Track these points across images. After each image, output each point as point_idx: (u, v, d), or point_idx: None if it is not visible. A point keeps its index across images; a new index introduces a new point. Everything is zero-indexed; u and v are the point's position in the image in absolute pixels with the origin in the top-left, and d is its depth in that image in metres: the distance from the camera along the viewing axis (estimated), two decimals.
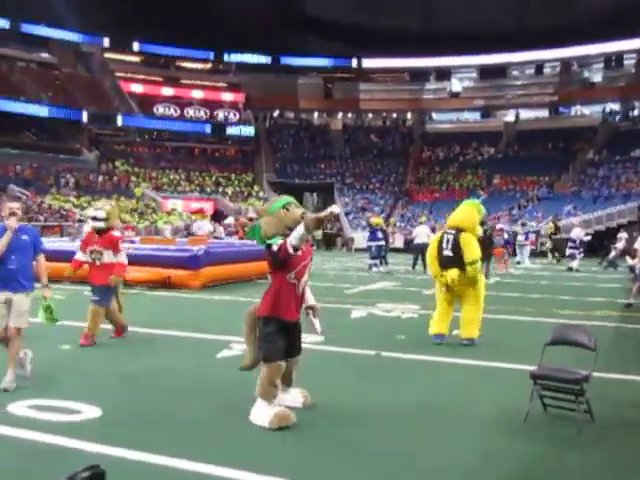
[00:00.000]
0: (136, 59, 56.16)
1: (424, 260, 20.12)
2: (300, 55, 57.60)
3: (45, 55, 52.24)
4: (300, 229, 4.61)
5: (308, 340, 8.11)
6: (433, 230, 21.00)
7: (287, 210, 4.96)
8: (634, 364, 7.20)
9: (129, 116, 51.40)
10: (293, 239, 4.65)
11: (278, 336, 4.92)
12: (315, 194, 53.48)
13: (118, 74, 54.06)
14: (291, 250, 4.67)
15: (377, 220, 22.81)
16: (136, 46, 54.67)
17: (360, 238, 35.51)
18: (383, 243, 21.17)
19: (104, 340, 8.01)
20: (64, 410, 5.08)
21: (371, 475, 3.97)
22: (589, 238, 24.00)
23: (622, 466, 4.18)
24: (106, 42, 53.54)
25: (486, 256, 19.30)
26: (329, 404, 5.46)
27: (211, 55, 57.13)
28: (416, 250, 20.48)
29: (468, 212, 8.54)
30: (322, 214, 4.57)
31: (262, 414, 4.85)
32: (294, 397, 5.38)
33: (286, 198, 5.17)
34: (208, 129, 53.72)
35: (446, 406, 5.50)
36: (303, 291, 5.12)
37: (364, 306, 11.73)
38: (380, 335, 8.87)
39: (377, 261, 20.97)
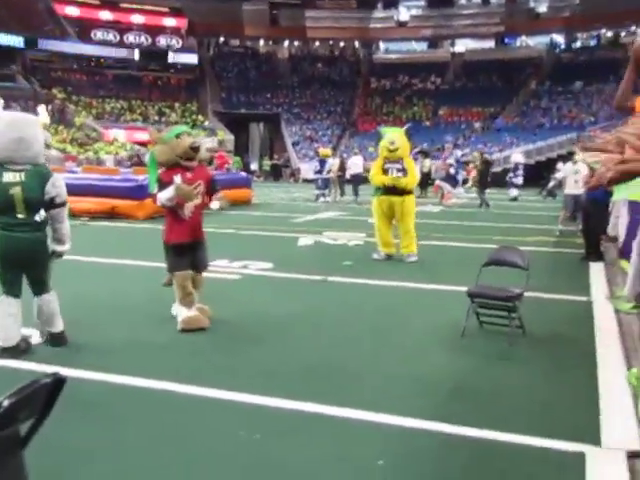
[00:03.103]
0: None
1: (356, 188, 20.89)
2: None
3: None
4: (171, 191, 5.20)
5: (257, 266, 8.32)
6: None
7: (179, 139, 5.33)
8: (563, 285, 7.63)
9: (65, 41, 49.09)
10: (163, 198, 5.26)
11: (178, 254, 5.44)
12: (262, 124, 52.80)
13: None
14: (158, 204, 5.33)
15: (325, 151, 22.89)
16: None
17: (307, 169, 35.50)
18: (330, 175, 21.33)
19: None
20: None
21: (318, 384, 4.21)
22: (523, 160, 24.46)
23: (549, 374, 4.54)
24: None
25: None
26: (274, 320, 5.67)
27: None
28: (352, 180, 21.02)
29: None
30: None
31: (180, 317, 5.43)
32: None
33: (180, 127, 5.62)
34: (150, 56, 51.84)
35: (390, 325, 5.78)
36: (194, 214, 5.48)
37: (311, 235, 11.92)
38: (327, 261, 9.11)
39: (325, 191, 21.14)
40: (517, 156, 24.46)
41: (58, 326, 4.89)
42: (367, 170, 29.47)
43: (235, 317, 5.92)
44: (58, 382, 1.89)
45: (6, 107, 39.83)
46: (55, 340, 4.89)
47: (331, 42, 58.41)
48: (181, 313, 5.44)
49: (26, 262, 4.64)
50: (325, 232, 12.35)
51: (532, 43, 54.46)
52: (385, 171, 9.27)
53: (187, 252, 5.48)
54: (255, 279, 7.72)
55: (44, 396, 1.86)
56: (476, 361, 4.84)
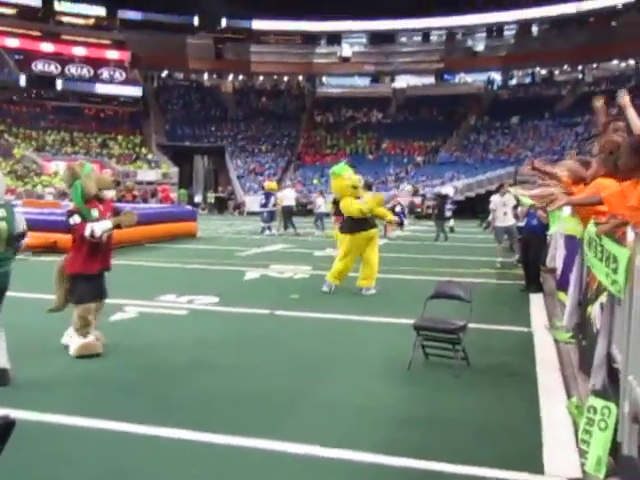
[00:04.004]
0: (11, 11, 52.43)
1: (289, 220, 21.15)
2: (189, 14, 55.97)
3: None
4: (108, 225, 5.46)
5: (203, 301, 8.27)
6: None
7: (95, 174, 5.78)
8: (505, 316, 7.85)
9: (4, 72, 48.15)
10: (99, 229, 5.40)
11: (87, 284, 5.57)
12: (206, 157, 52.70)
13: None
14: (87, 234, 5.36)
15: (271, 185, 23.03)
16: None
17: (252, 201, 35.50)
18: (275, 208, 21.46)
19: None
20: None
21: (262, 414, 4.20)
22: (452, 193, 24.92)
23: (494, 405, 4.64)
24: None
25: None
26: (216, 360, 5.64)
27: (102, 11, 54.23)
28: (284, 212, 21.18)
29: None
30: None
31: (74, 344, 5.52)
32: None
33: (88, 164, 5.89)
34: (92, 88, 51.30)
35: (336, 357, 5.82)
36: (106, 243, 5.66)
37: (258, 268, 11.91)
38: (274, 295, 9.11)
39: (270, 224, 21.20)
40: (448, 189, 25.05)
41: (3, 362, 4.76)
42: (305, 204, 29.81)
43: (181, 351, 5.85)
44: (7, 425, 1.87)
45: None
46: None
47: (275, 76, 59.06)
48: (76, 340, 5.53)
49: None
50: (271, 265, 12.35)
51: (471, 80, 56.32)
52: None
53: (96, 282, 5.65)
54: (202, 314, 7.66)
55: None
56: (422, 392, 4.92)
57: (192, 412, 4.32)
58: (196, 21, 57.07)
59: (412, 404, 4.63)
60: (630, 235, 3.12)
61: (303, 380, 5.14)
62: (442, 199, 20.59)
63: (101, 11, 54.42)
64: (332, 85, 59.05)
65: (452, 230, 21.72)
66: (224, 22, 57.57)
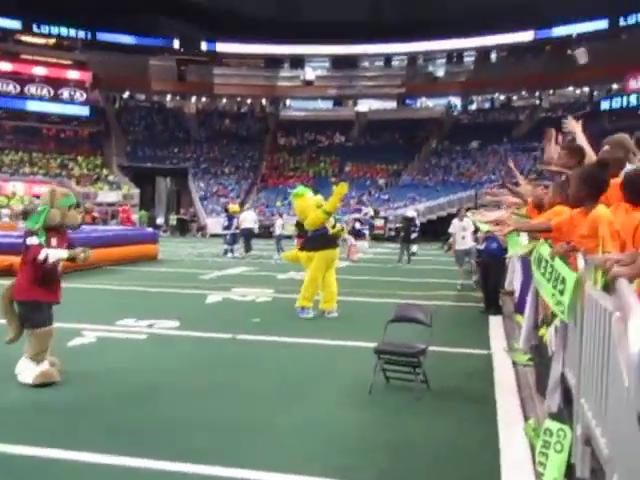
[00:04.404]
0: None
1: (249, 242, 21.15)
2: (151, 36, 55.90)
3: None
4: (64, 254, 5.49)
5: (163, 325, 8.18)
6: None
7: (70, 210, 5.67)
8: (465, 338, 7.94)
9: None
10: (54, 256, 5.39)
11: (44, 310, 5.52)
12: (168, 179, 52.41)
13: None
14: (41, 257, 5.31)
15: (234, 207, 23.06)
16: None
17: (215, 223, 35.35)
18: (237, 231, 21.42)
19: None
20: None
21: (222, 440, 4.17)
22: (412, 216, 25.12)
23: (453, 427, 4.69)
24: None
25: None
26: (173, 383, 5.59)
27: (65, 31, 53.77)
28: (244, 235, 21.15)
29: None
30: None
31: (31, 372, 5.37)
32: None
33: (73, 199, 5.83)
34: (52, 108, 50.67)
35: (298, 381, 5.81)
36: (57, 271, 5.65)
37: (220, 291, 11.84)
38: (235, 319, 9.06)
39: (233, 246, 21.15)
40: (411, 212, 25.32)
41: None
42: (268, 227, 29.73)
43: (140, 377, 5.78)
44: None
45: None
46: None
47: (239, 99, 59.21)
48: (32, 367, 5.42)
49: None
50: (234, 288, 12.30)
51: (432, 104, 57.30)
52: None
53: (49, 309, 5.61)
54: (162, 338, 7.57)
55: None
56: (383, 416, 4.94)
57: (150, 439, 4.26)
58: (159, 43, 57.01)
59: (373, 428, 4.65)
60: (580, 262, 3.21)
61: (264, 405, 5.11)
62: (407, 222, 20.80)
63: (62, 31, 53.99)
64: (295, 108, 59.45)
65: (414, 254, 21.97)
66: (188, 44, 57.66)
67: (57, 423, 4.57)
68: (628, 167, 4.13)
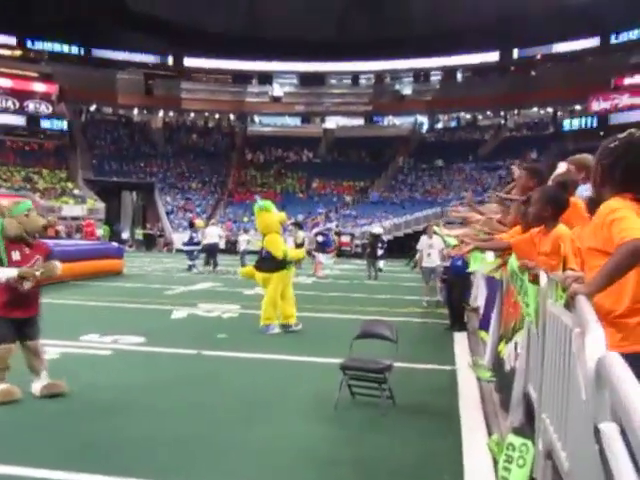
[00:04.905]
0: None
1: (213, 258, 21.10)
2: (119, 49, 55.63)
3: None
4: (13, 273, 5.18)
5: (128, 341, 8.09)
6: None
7: (27, 216, 5.40)
8: (430, 354, 8.02)
9: None
10: (3, 277, 5.18)
11: (6, 325, 5.32)
12: (135, 193, 51.96)
13: None
14: None
15: (199, 223, 23.00)
16: None
17: (181, 239, 35.09)
18: (200, 246, 21.34)
19: None
20: None
21: (186, 458, 4.14)
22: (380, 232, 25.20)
23: (418, 443, 4.73)
24: None
25: None
26: (145, 401, 5.53)
27: (30, 43, 53.22)
28: (208, 250, 21.08)
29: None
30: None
31: None
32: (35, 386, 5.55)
33: (28, 203, 5.60)
34: (17, 120, 49.94)
35: (263, 398, 5.79)
36: (29, 290, 5.36)
37: (185, 307, 11.76)
38: (201, 334, 9.00)
39: (196, 262, 21.04)
40: (377, 229, 25.45)
41: None
42: (234, 242, 29.53)
43: (104, 393, 5.70)
44: None
45: None
46: None
47: (206, 114, 59.12)
48: None
49: None
50: (199, 304, 12.22)
51: (399, 122, 57.97)
52: None
53: (16, 324, 5.40)
54: (126, 354, 7.49)
55: None
56: (348, 432, 4.96)
57: (112, 456, 4.21)
58: (127, 56, 56.74)
59: (338, 444, 4.66)
60: (543, 279, 3.29)
61: (229, 422, 5.09)
62: (374, 238, 20.99)
63: (28, 43, 53.45)
64: (263, 124, 59.61)
65: (380, 270, 22.06)
66: (155, 58, 57.53)
67: (18, 440, 4.49)
68: (584, 187, 4.26)
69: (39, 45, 53.97)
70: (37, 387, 5.47)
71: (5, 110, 49.85)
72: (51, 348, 7.22)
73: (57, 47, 54.45)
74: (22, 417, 5.04)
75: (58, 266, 5.59)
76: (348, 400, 5.57)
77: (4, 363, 5.35)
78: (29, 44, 53.74)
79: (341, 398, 5.42)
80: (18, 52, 53.80)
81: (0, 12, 45.57)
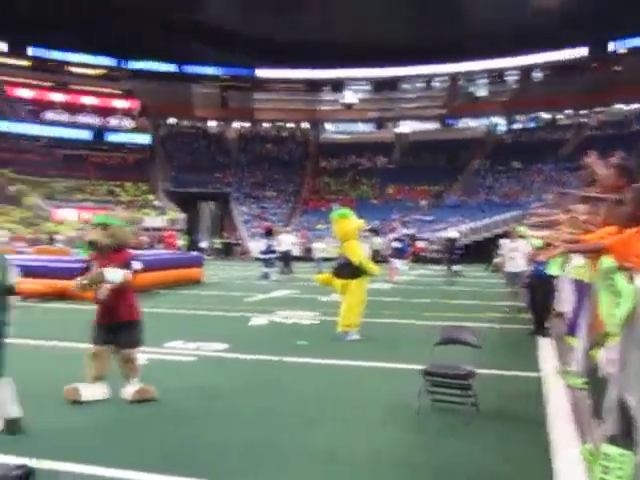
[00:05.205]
0: (25, 63, 53.74)
1: (288, 265, 21.23)
2: (197, 64, 57.20)
3: None
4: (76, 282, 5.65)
5: (211, 347, 8.25)
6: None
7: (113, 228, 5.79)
8: (513, 361, 7.80)
9: (15, 121, 49.13)
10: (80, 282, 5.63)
11: (95, 330, 5.77)
12: (212, 203, 53.12)
13: (5, 78, 51.60)
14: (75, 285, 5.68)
15: (273, 230, 23.34)
16: (31, 51, 52.56)
17: (257, 247, 35.59)
18: (277, 254, 21.58)
19: None
20: None
21: (269, 462, 4.17)
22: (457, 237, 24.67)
23: (504, 452, 4.59)
24: (3, 47, 51.14)
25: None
26: (232, 405, 5.61)
27: (112, 62, 55.61)
28: (282, 257, 21.23)
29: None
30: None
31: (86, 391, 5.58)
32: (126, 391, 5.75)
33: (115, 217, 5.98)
34: (101, 136, 52.18)
35: (344, 403, 5.76)
36: (108, 298, 5.68)
37: (264, 314, 11.89)
38: (281, 341, 9.07)
39: (273, 269, 21.27)
40: (453, 233, 25.09)
41: (15, 411, 4.73)
42: (309, 250, 29.72)
43: (191, 399, 5.82)
44: (28, 474, 1.89)
45: None
46: (11, 426, 4.71)
47: (280, 123, 59.93)
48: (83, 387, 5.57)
49: None
50: (277, 311, 12.33)
51: (474, 124, 57.01)
52: None
53: (107, 331, 5.70)
54: (210, 360, 7.63)
55: None
56: (427, 437, 4.87)
57: (200, 460, 4.28)
58: (204, 70, 58.27)
59: (420, 450, 4.59)
60: (638, 282, 3.13)
61: (310, 427, 5.09)
62: (451, 243, 20.75)
63: (111, 62, 55.71)
64: (336, 131, 59.86)
65: (458, 275, 21.69)
66: (229, 71, 58.79)
67: (115, 443, 4.64)
68: None
69: (122, 64, 56.19)
70: (129, 392, 5.65)
71: (89, 127, 52.14)
72: (139, 354, 7.44)
73: (138, 65, 56.46)
74: (112, 419, 5.20)
75: (114, 274, 5.64)
76: (429, 407, 5.47)
77: (94, 364, 5.61)
78: (111, 63, 56.03)
79: (422, 404, 5.34)
80: (102, 71, 56.20)
81: (90, 33, 47.76)
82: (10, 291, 4.68)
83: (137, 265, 5.87)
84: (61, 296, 13.57)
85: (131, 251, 5.96)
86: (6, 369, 4.75)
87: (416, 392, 5.38)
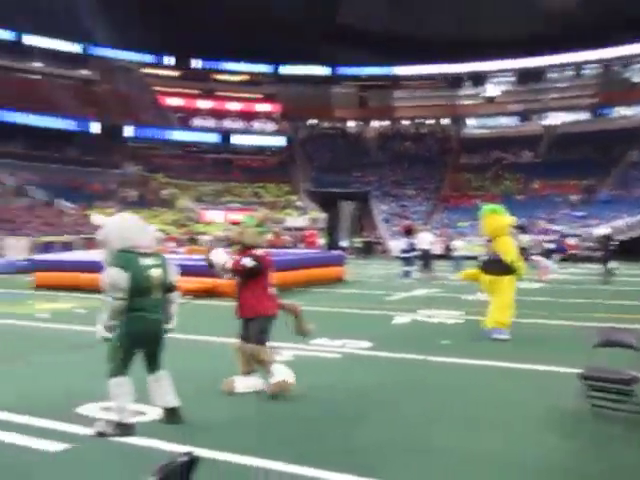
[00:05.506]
0: (175, 73, 57.30)
1: (428, 263, 20.73)
2: (339, 65, 58.11)
3: (86, 72, 53.75)
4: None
5: (356, 345, 8.30)
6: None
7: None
8: None
9: (167, 129, 52.44)
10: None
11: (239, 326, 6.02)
12: (351, 202, 53.64)
13: (156, 88, 55.28)
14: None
15: (412, 228, 23.09)
16: (196, 63, 56.18)
17: (397, 245, 35.47)
18: (418, 252, 21.32)
19: None
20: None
21: (433, 466, 4.10)
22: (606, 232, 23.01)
23: None
24: (170, 60, 55.08)
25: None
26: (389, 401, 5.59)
27: (268, 68, 57.98)
28: (422, 256, 20.91)
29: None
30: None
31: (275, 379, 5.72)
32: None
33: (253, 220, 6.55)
34: (245, 140, 54.42)
35: (493, 405, 5.56)
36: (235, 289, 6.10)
37: (406, 312, 11.79)
38: (425, 340, 8.95)
39: (414, 268, 21.05)
40: (603, 230, 23.49)
41: (174, 401, 5.00)
42: (449, 248, 29.13)
43: (337, 396, 5.87)
44: (193, 461, 1.95)
45: (118, 191, 42.60)
46: (171, 416, 4.99)
47: (419, 120, 59.39)
48: (275, 377, 5.71)
49: (152, 341, 4.86)
50: (420, 310, 12.19)
51: (630, 113, 53.24)
52: None
53: (241, 326, 5.99)
54: (355, 358, 7.67)
55: (180, 475, 1.92)
56: (591, 446, 4.58)
57: (356, 458, 4.30)
58: (345, 71, 59.04)
59: (583, 457, 4.35)
60: None
61: (466, 428, 4.95)
62: (606, 239, 19.52)
63: (267, 68, 57.87)
64: (477, 126, 58.36)
65: (614, 272, 20.38)
66: (367, 70, 59.09)
67: (269, 436, 4.78)
68: None
69: (262, 68, 58.26)
70: (265, 386, 5.79)
71: (235, 131, 54.55)
72: (285, 351, 7.63)
73: (289, 70, 58.29)
74: (264, 413, 5.36)
75: (217, 256, 6.12)
76: (587, 412, 5.15)
77: (239, 358, 5.89)
78: (254, 68, 58.27)
79: (580, 409, 5.04)
80: (246, 77, 58.63)
81: (250, 42, 50.01)
82: (171, 288, 4.97)
83: (246, 261, 5.90)
84: (211, 294, 14.24)
85: (257, 251, 6.03)
86: (165, 362, 5.03)
87: (569, 396, 5.09)
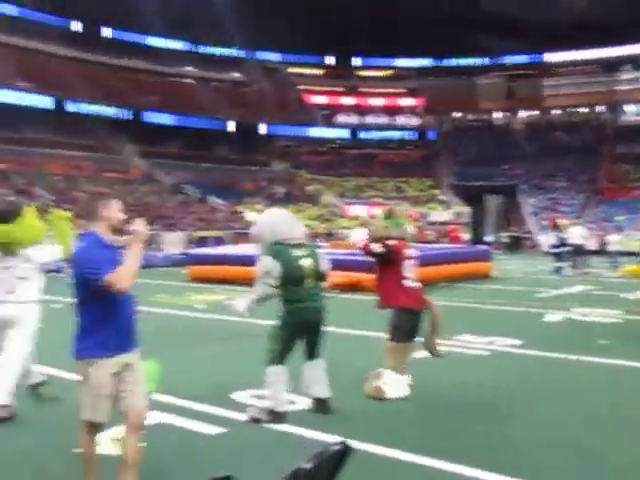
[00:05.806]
0: (319, 72, 58.51)
1: (580, 259, 19.48)
2: (475, 55, 56.56)
3: (236, 74, 56.30)
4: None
5: (504, 343, 8.07)
6: None
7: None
8: None
9: (311, 126, 53.66)
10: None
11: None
12: (497, 196, 52.00)
13: (302, 87, 56.73)
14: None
15: (561, 223, 22.02)
16: (357, 61, 57.44)
17: (547, 240, 33.94)
18: (568, 247, 20.30)
19: None
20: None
21: (582, 469, 3.92)
22: None
23: None
24: (331, 60, 56.89)
25: None
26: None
27: (430, 62, 57.79)
28: (573, 251, 19.77)
29: None
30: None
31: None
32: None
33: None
34: (389, 135, 54.48)
35: None
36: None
37: (558, 310, 11.28)
38: (579, 340, 8.52)
39: (565, 263, 20.07)
40: None
41: (325, 392, 5.13)
42: (604, 243, 27.35)
43: (487, 393, 5.76)
44: (346, 451, 2.00)
45: (266, 188, 44.31)
46: (321, 406, 5.13)
47: (571, 109, 56.40)
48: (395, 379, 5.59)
49: (313, 330, 5.04)
50: (573, 307, 11.62)
51: None
52: None
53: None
54: (505, 356, 7.47)
55: (333, 463, 1.98)
56: None
57: (503, 455, 4.21)
58: (487, 61, 57.35)
59: None
60: None
61: (614, 433, 4.69)
62: None
63: (428, 62, 57.64)
64: (637, 113, 54.40)
65: None
66: (514, 59, 57.00)
67: (410, 428, 4.81)
68: None
69: (403, 62, 57.97)
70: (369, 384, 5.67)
71: (379, 127, 54.78)
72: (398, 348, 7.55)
73: (418, 62, 57.71)
74: (411, 408, 5.36)
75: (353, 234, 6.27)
76: None
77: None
78: (396, 63, 58.12)
79: None
80: (388, 72, 58.66)
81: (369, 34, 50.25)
82: (323, 277, 5.13)
83: (375, 246, 5.81)
84: (355, 288, 14.38)
85: (390, 242, 5.95)
86: (323, 352, 5.16)
87: None
